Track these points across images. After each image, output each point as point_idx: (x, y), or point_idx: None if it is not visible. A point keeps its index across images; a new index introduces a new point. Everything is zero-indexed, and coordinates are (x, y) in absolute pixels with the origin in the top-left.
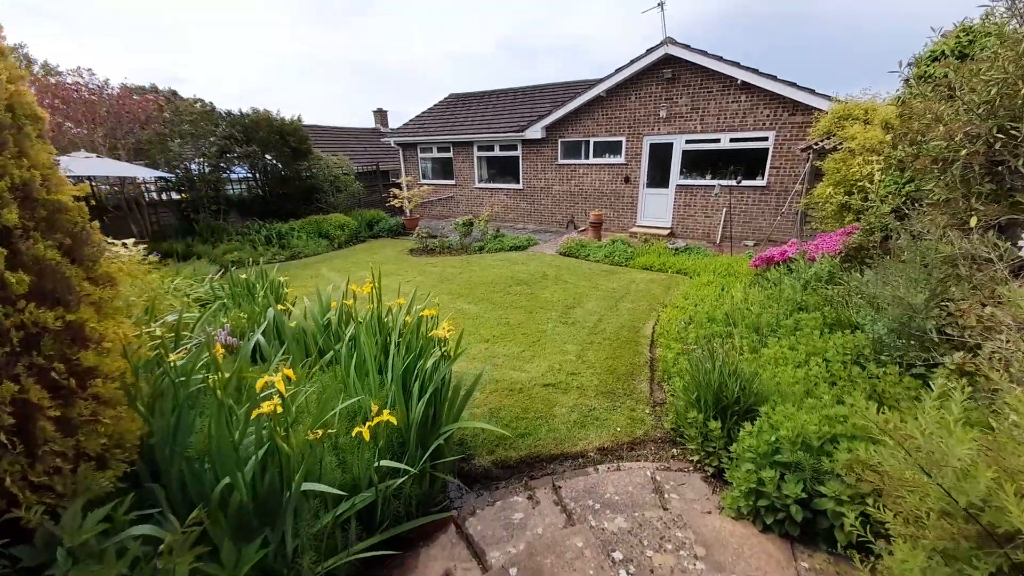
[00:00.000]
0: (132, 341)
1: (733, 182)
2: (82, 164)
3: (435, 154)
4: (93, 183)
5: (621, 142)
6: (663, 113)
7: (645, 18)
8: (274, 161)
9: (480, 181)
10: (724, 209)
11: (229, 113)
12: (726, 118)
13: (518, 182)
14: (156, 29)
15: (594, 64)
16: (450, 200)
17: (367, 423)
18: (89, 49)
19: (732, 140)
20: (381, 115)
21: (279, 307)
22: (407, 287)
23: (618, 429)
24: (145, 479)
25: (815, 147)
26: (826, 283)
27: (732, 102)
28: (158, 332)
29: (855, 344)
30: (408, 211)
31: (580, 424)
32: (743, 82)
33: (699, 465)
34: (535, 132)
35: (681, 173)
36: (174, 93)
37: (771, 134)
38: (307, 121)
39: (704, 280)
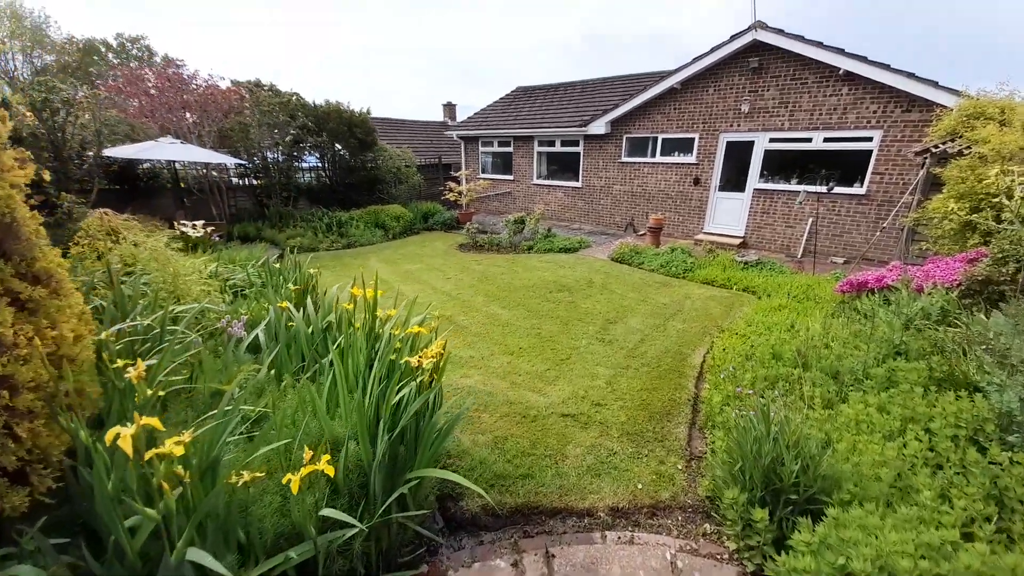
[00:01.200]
0: (76, 342)
1: (823, 188)
2: (168, 149)
3: (495, 148)
4: (180, 167)
5: (693, 139)
6: (745, 107)
7: (737, 4)
8: (343, 151)
9: (538, 177)
10: (810, 219)
11: (304, 104)
12: (821, 114)
13: (577, 180)
14: (258, 27)
15: (682, 56)
16: (507, 196)
17: (303, 469)
18: (195, 45)
19: (827, 140)
20: (450, 109)
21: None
22: (446, 284)
23: (639, 485)
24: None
25: (935, 150)
26: (937, 323)
27: (831, 95)
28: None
29: (973, 414)
30: (464, 205)
31: (594, 472)
32: (846, 72)
33: (736, 557)
34: (599, 127)
35: (761, 176)
36: (257, 84)
37: (877, 134)
38: (377, 113)
39: (775, 303)
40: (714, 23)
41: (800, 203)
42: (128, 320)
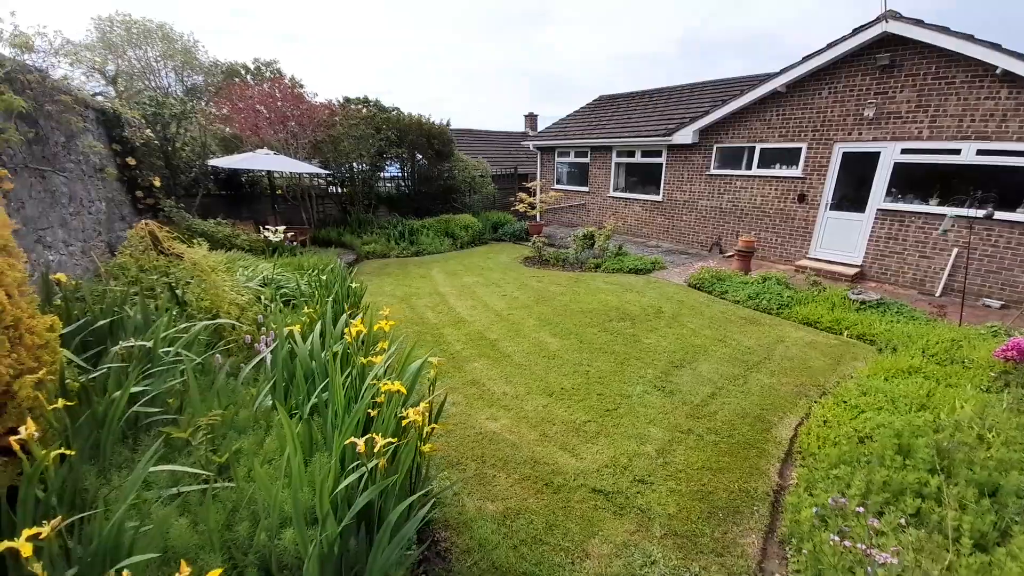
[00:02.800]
0: (15, 379)
1: (979, 213)
2: (263, 160)
3: (572, 159)
4: (277, 176)
5: (800, 150)
6: (869, 112)
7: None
8: (421, 161)
9: (615, 190)
10: (955, 249)
11: (387, 117)
12: (973, 121)
13: (657, 193)
14: (373, 50)
15: (785, 60)
16: (581, 208)
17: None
18: (324, 69)
19: (980, 152)
20: (531, 119)
21: (355, 322)
22: (499, 303)
23: None
24: None
25: None
26: None
27: (986, 98)
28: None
29: None
30: (538, 216)
31: None
32: (1004, 71)
33: None
34: (685, 136)
35: (888, 194)
36: (347, 99)
37: None
38: (457, 125)
39: (903, 363)
40: (824, 22)
41: (945, 230)
42: (123, 342)
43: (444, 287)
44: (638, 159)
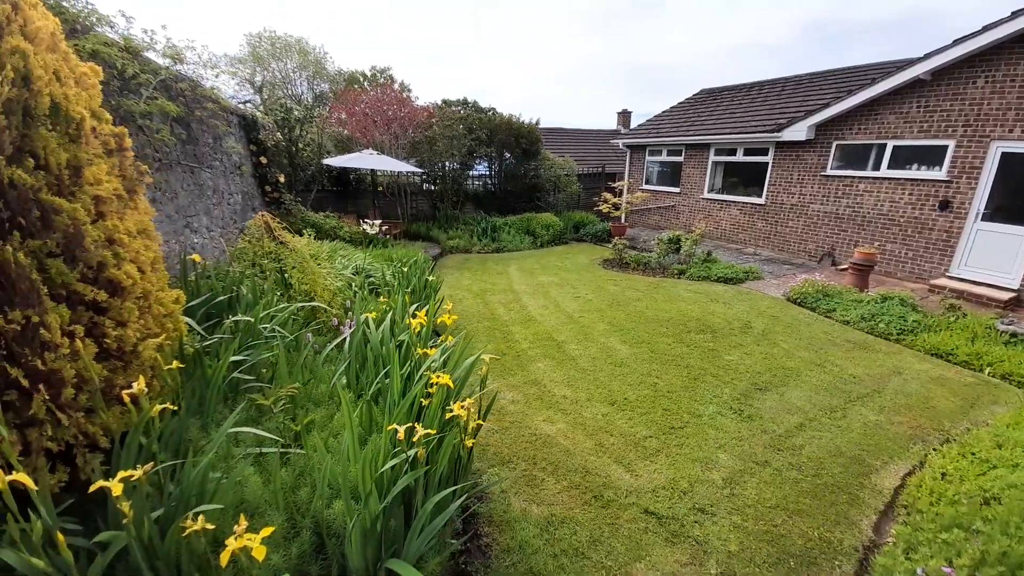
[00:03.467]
0: (141, 342)
1: None
2: (368, 159)
3: (664, 157)
4: (380, 174)
5: (945, 148)
6: None
7: None
8: (509, 159)
9: (710, 191)
10: None
11: (480, 117)
12: None
13: (760, 195)
14: (477, 55)
15: (934, 44)
16: (670, 210)
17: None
18: (435, 71)
19: None
20: (624, 116)
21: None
22: (571, 304)
23: None
24: None
25: None
26: None
27: None
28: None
29: None
30: (623, 217)
31: None
32: None
33: None
34: (798, 132)
35: None
36: (444, 101)
37: None
38: (549, 122)
39: None
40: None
41: None
42: (231, 317)
43: (519, 285)
44: (739, 158)
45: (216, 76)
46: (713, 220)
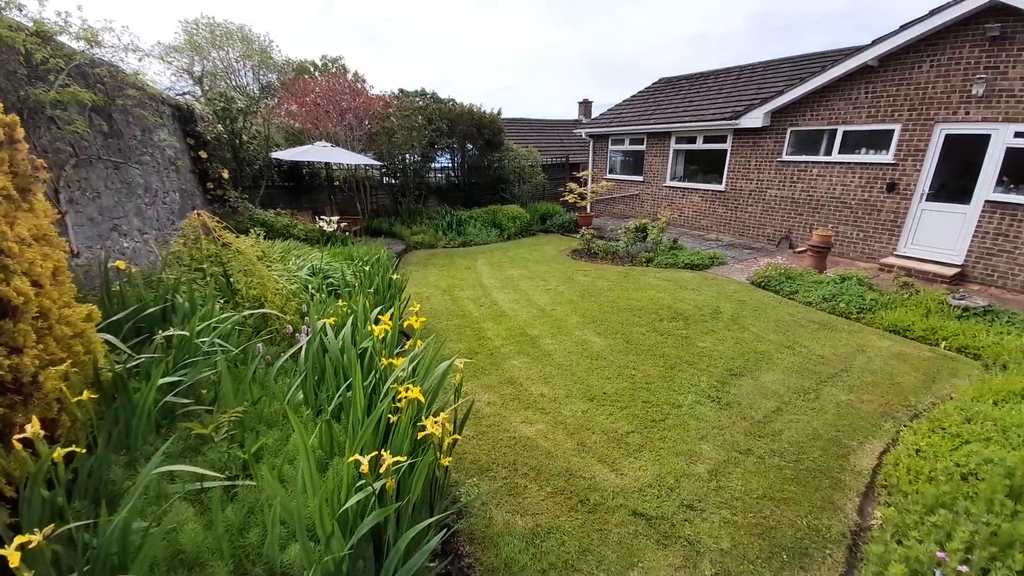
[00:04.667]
0: (41, 371)
1: None
2: (321, 152)
3: (626, 147)
4: (336, 167)
5: (891, 132)
6: (978, 90)
7: None
8: (471, 150)
9: (672, 179)
10: None
11: (440, 108)
12: None
13: (720, 182)
14: (436, 41)
15: (878, 33)
16: (634, 199)
17: None
18: (388, 62)
19: None
20: (585, 106)
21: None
22: (542, 297)
23: None
24: None
25: None
26: None
27: None
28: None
29: None
30: (589, 207)
31: None
32: None
33: None
34: (754, 119)
35: (999, 184)
36: (401, 91)
37: None
38: (512, 114)
39: (1018, 383)
40: None
41: None
42: (162, 331)
43: (488, 279)
44: (699, 145)
45: (139, 60)
46: (676, 207)
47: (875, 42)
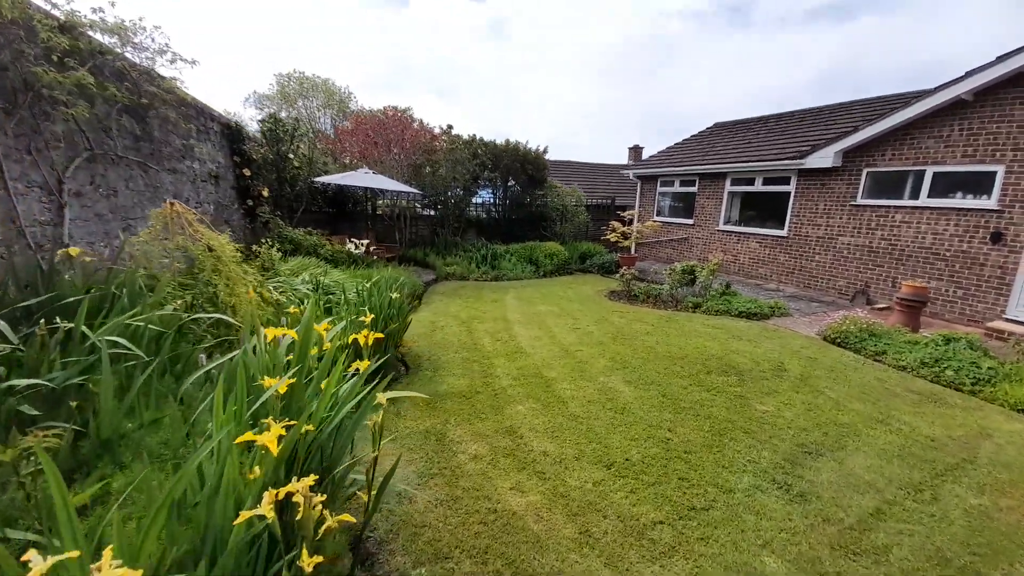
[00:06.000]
0: None
1: None
2: (363, 178)
3: (676, 188)
4: (378, 199)
5: (994, 174)
6: None
7: None
8: (515, 186)
9: (726, 223)
10: None
11: (485, 143)
12: None
13: (782, 227)
14: (505, 98)
15: None
16: (683, 243)
17: None
18: (459, 112)
19: None
20: (636, 152)
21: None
22: (568, 336)
23: None
24: None
25: None
26: None
27: None
28: None
29: None
30: (633, 248)
31: None
32: None
33: None
34: (823, 159)
35: None
36: (450, 127)
37: None
38: (556, 156)
39: None
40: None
41: None
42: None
43: (513, 313)
44: (758, 187)
45: (172, 62)
46: (730, 253)
47: (969, 74)
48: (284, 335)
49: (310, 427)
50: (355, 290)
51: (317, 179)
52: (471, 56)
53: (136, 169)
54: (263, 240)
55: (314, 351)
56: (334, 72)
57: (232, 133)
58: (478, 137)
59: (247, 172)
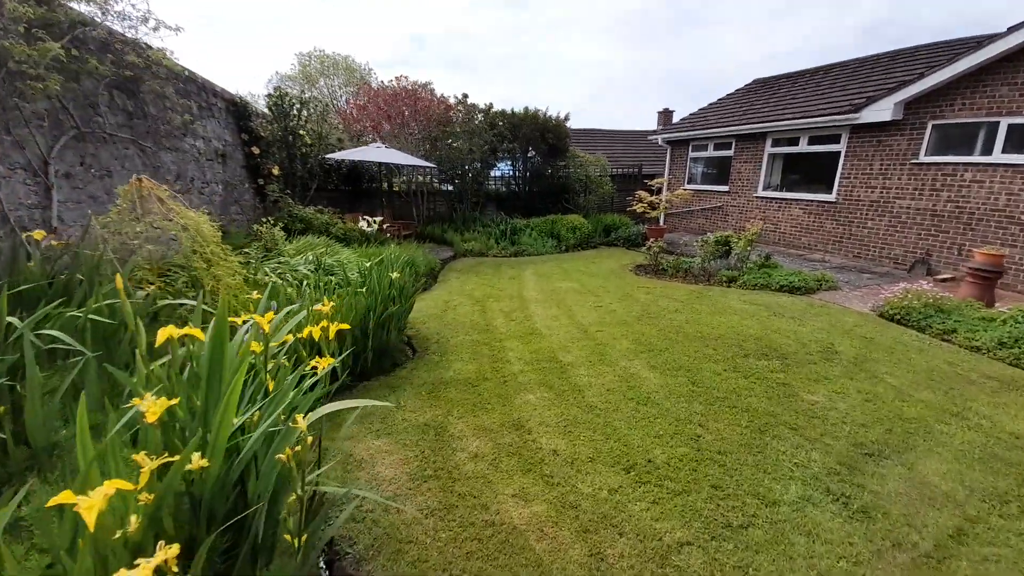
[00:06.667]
0: None
1: None
2: (375, 152)
3: (710, 152)
4: (393, 175)
5: None
6: None
7: None
8: (534, 156)
9: (765, 188)
10: None
11: (503, 112)
12: None
13: (829, 191)
14: (517, 63)
15: None
16: (717, 211)
17: None
18: (477, 85)
19: None
20: (666, 116)
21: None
22: (589, 315)
23: None
24: None
25: None
26: None
27: None
28: None
29: None
30: (660, 218)
31: None
32: None
33: None
34: (881, 111)
35: None
36: (465, 96)
37: None
38: (578, 125)
39: None
40: None
41: None
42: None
43: (530, 291)
44: (803, 148)
45: (155, 30)
46: (770, 222)
47: None
48: (182, 334)
49: (203, 463)
50: (357, 270)
51: (329, 156)
52: (487, 26)
53: (132, 148)
54: (264, 220)
55: (258, 348)
56: (353, 49)
57: (238, 110)
58: (495, 107)
59: (256, 150)
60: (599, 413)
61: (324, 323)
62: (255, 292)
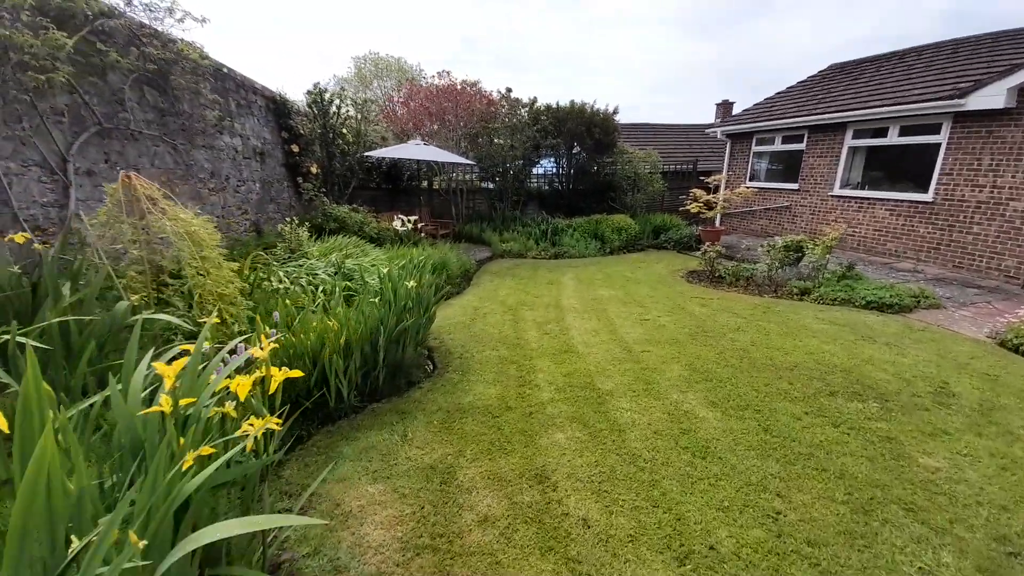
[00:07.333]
0: None
1: None
2: (413, 150)
3: (776, 146)
4: (433, 173)
5: None
6: None
7: None
8: (580, 153)
9: (843, 186)
10: None
11: (548, 106)
12: None
13: (924, 189)
14: (568, 60)
15: None
16: (783, 212)
17: None
18: (525, 81)
19: None
20: (725, 108)
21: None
22: (634, 330)
23: None
24: None
25: None
26: None
27: None
28: None
29: None
30: (717, 219)
31: None
32: None
33: None
34: (992, 97)
35: None
36: (508, 90)
37: None
38: (628, 119)
39: None
40: None
41: None
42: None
43: (569, 299)
44: (892, 139)
45: (180, 21)
46: (850, 223)
47: None
48: None
49: None
50: (378, 275)
51: (368, 153)
52: (538, 25)
53: (163, 146)
54: (289, 219)
55: (167, 407)
56: (406, 51)
57: (278, 107)
58: (539, 102)
59: (295, 148)
60: (643, 466)
61: (260, 373)
62: (266, 301)
